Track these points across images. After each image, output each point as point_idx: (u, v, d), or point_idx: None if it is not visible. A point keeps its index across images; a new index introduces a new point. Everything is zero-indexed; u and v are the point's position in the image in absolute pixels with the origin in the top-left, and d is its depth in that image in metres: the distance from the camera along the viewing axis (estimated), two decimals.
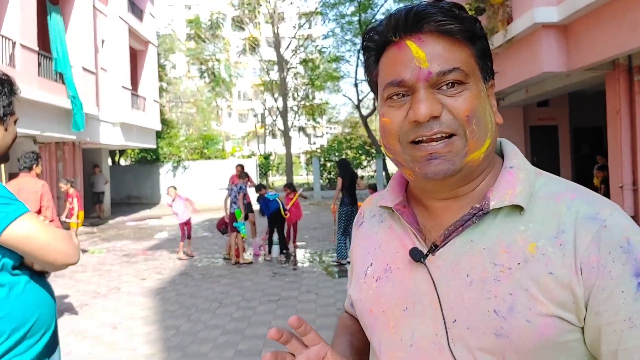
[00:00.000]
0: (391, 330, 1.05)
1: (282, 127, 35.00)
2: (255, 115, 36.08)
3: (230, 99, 42.87)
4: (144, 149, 27.53)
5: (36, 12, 14.05)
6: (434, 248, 1.01)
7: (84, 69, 16.87)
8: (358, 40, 31.96)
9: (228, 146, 41.12)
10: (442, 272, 0.99)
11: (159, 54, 31.30)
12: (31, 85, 13.34)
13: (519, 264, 0.93)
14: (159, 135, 27.82)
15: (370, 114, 34.19)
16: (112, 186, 25.54)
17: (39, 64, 14.30)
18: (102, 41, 19.76)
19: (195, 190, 27.03)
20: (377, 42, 1.03)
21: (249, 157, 30.88)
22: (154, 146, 25.45)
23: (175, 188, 11.80)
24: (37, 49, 13.96)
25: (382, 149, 1.06)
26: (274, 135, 43.65)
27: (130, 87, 21.43)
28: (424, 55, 0.95)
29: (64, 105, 15.15)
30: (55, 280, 9.63)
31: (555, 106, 15.05)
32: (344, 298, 7.14)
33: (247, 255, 11.29)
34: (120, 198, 27.58)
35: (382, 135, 1.04)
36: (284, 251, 11.52)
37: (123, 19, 20.79)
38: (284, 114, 33.85)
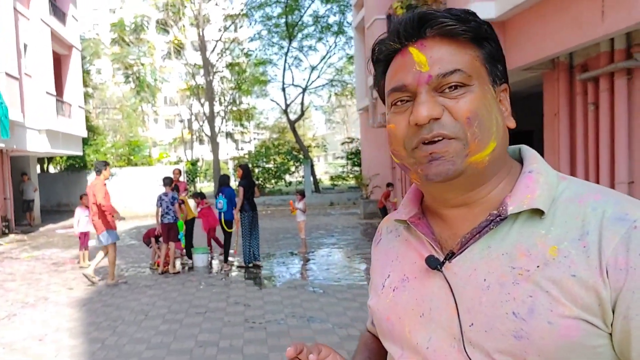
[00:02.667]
0: (407, 335, 1.06)
1: (209, 133, 34.91)
2: (181, 121, 35.78)
3: (155, 104, 42.39)
4: (71, 156, 27.11)
5: None
6: (450, 255, 1.02)
7: (7, 74, 16.57)
8: (285, 43, 32.36)
9: (155, 152, 40.69)
10: (458, 278, 1.00)
11: (83, 59, 30.81)
12: None
13: (538, 266, 0.92)
14: (85, 142, 27.45)
15: (298, 119, 34.65)
16: (41, 194, 25.23)
17: None
18: (25, 45, 19.39)
19: (122, 197, 26.80)
20: (384, 53, 1.07)
21: (176, 163, 30.72)
22: (81, 153, 25.12)
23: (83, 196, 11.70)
24: None
25: (392, 156, 1.09)
26: (201, 141, 43.49)
27: (55, 93, 21.07)
28: (424, 59, 0.98)
29: None
30: None
31: (529, 110, 15.11)
32: (274, 310, 7.60)
33: (177, 266, 11.23)
34: (51, 205, 27.14)
35: (389, 141, 1.06)
36: (227, 260, 11.34)
37: (45, 22, 20.38)
38: (210, 119, 33.75)
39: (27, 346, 6.54)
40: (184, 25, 38.26)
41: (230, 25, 36.51)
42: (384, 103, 1.10)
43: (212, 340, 6.48)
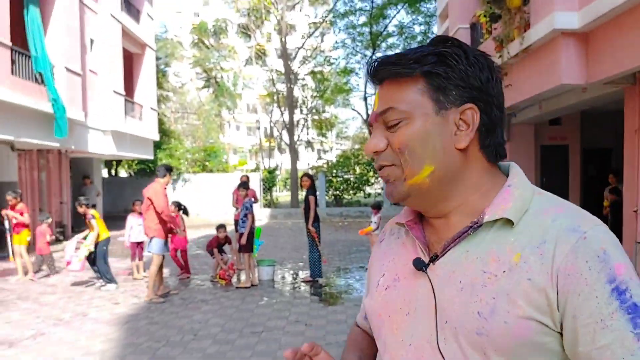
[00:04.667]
0: (394, 332, 1.16)
1: (288, 141, 33.43)
2: (258, 128, 34.68)
3: (235, 110, 41.56)
4: (142, 160, 26.07)
5: (9, 3, 12.40)
6: (434, 258, 1.13)
7: (68, 69, 15.18)
8: (369, 52, 30.97)
9: (234, 159, 39.79)
10: (440, 280, 1.10)
11: (158, 59, 29.91)
12: (2, 85, 11.78)
13: (504, 271, 1.04)
14: (158, 146, 26.41)
15: None
16: (108, 199, 24.63)
17: (13, 62, 12.66)
18: (92, 41, 18.12)
19: (195, 204, 25.74)
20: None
21: (253, 171, 29.33)
22: (151, 157, 23.89)
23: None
24: (9, 43, 12.33)
25: None
26: (280, 150, 42.14)
27: (124, 93, 19.83)
28: (377, 99, 1.15)
29: (44, 108, 13.55)
30: (17, 304, 8.77)
31: (567, 125, 14.48)
32: (337, 331, 7.06)
33: (253, 278, 10.16)
34: (117, 211, 26.02)
35: None
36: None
37: (116, 17, 19.11)
38: (290, 127, 32.25)
39: None
40: (269, 33, 37.24)
41: (313, 32, 34.94)
42: None
43: None
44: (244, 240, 9.68)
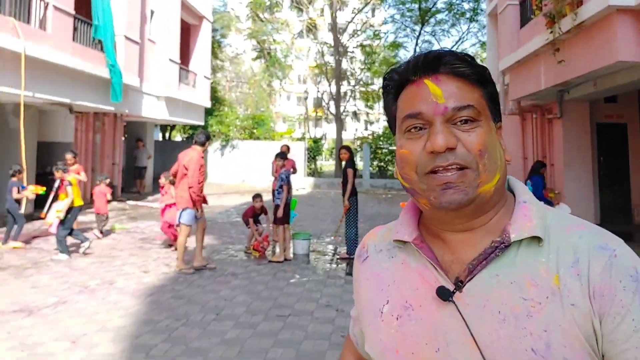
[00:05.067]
0: None
1: (334, 112, 34.14)
2: (306, 98, 35.03)
3: (285, 81, 42.10)
4: (194, 126, 27.02)
5: None
6: (460, 284, 1.02)
7: (127, 38, 16.23)
8: (417, 28, 31.24)
9: (283, 128, 40.35)
10: (472, 310, 1.00)
11: (215, 30, 30.69)
12: (64, 51, 12.79)
13: (547, 297, 0.96)
14: (210, 112, 27.34)
15: None
16: (160, 162, 25.15)
17: (75, 29, 13.66)
18: (152, 12, 19.16)
19: (242, 171, 26.65)
20: (396, 81, 1.12)
21: (299, 139, 29.97)
22: (202, 123, 24.83)
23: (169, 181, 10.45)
24: (72, 12, 13.33)
25: (399, 178, 1.13)
26: (328, 120, 42.70)
27: (179, 61, 20.80)
28: (440, 92, 1.04)
29: (101, 74, 14.55)
30: (50, 266, 8.82)
31: (624, 103, 13.94)
32: None
33: (288, 253, 9.86)
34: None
35: (400, 165, 1.10)
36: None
37: None
38: (337, 98, 32.87)
39: (51, 351, 5.23)
40: (321, 8, 37.56)
41: (363, 8, 35.39)
42: (390, 127, 1.18)
43: (285, 355, 5.25)
44: (280, 213, 9.41)
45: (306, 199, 19.82)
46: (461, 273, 1.04)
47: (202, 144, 8.63)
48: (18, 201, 10.31)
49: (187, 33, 23.29)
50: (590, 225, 1.04)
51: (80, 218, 11.57)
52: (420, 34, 31.25)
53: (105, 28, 14.55)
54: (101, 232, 11.55)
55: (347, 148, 10.17)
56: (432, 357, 1.03)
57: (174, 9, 20.25)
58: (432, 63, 1.06)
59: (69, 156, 11.10)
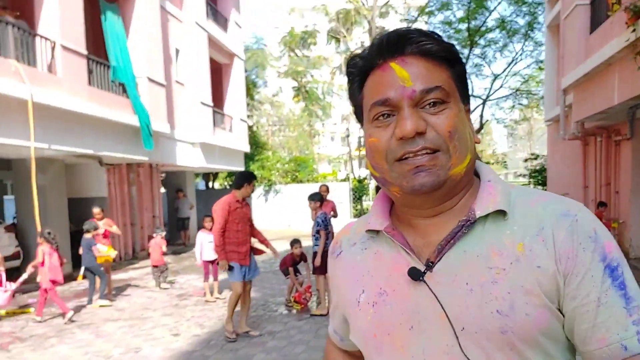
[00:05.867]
0: (400, 350, 1.09)
1: None
2: (348, 136, 34.06)
3: (327, 119, 41.30)
4: (234, 172, 26.06)
5: (83, 9, 12.14)
6: (430, 264, 1.07)
7: (151, 80, 14.97)
8: (466, 51, 29.53)
9: (328, 170, 39.44)
10: (442, 287, 1.05)
11: (249, 70, 29.91)
12: (78, 96, 11.56)
13: (511, 263, 1.02)
14: (250, 157, 26.39)
15: (476, 133, 31.66)
16: (204, 211, 24.12)
17: (90, 72, 12.43)
18: (177, 51, 18.02)
19: (287, 216, 25.62)
20: (361, 68, 1.11)
21: (343, 180, 28.75)
22: (242, 169, 23.71)
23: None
24: (85, 52, 12.09)
25: (369, 169, 1.13)
26: None
27: (212, 104, 19.66)
28: (407, 75, 1.03)
29: (127, 121, 13.36)
30: (74, 334, 8.01)
31: None
32: None
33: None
34: None
35: (369, 155, 1.10)
36: None
37: (201, 26, 18.87)
38: None
39: None
40: (361, 41, 36.64)
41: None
42: (357, 116, 1.18)
43: None
44: (317, 262, 8.45)
45: None
46: (431, 254, 1.07)
47: (239, 187, 7.35)
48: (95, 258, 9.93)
49: (218, 73, 22.15)
50: (554, 195, 1.09)
51: (129, 273, 12.16)
52: (469, 57, 29.52)
53: (125, 69, 13.50)
54: (165, 283, 11.66)
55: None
56: (406, 334, 1.07)
57: (202, 47, 19.04)
58: (397, 43, 1.05)
59: (96, 210, 10.74)
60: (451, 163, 1.03)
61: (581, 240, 1.00)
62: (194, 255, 16.27)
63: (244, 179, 7.39)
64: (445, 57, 1.05)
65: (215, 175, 29.56)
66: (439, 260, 1.05)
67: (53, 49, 11.04)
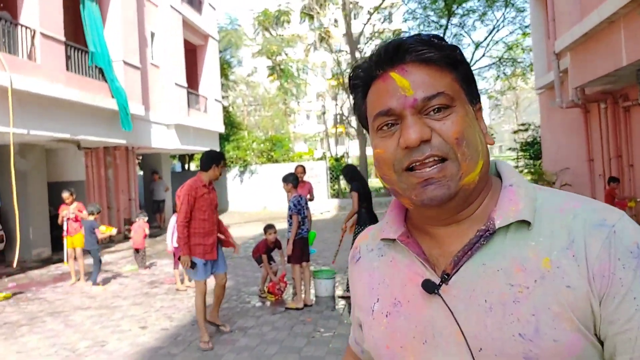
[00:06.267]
0: None
1: (356, 127, 32.57)
2: (324, 113, 33.95)
3: (302, 98, 41.11)
4: None
5: None
6: (446, 277, 1.01)
7: (126, 63, 14.96)
8: (444, 21, 29.08)
9: (304, 149, 39.40)
10: (458, 301, 0.99)
11: (223, 50, 29.71)
12: (56, 82, 11.59)
13: (535, 281, 0.93)
14: (225, 138, 26.29)
15: None
16: None
17: (68, 57, 12.49)
18: (152, 34, 17.96)
19: (264, 197, 25.57)
20: (363, 79, 1.08)
21: (320, 159, 28.75)
22: (217, 149, 23.66)
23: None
24: (63, 39, 12.15)
25: (380, 180, 1.09)
26: (350, 136, 41.45)
27: (186, 85, 19.62)
28: (407, 83, 1.00)
29: (104, 105, 13.39)
30: (45, 322, 7.79)
31: None
32: None
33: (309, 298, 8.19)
34: None
35: (377, 166, 1.07)
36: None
37: (176, 9, 18.87)
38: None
39: None
40: (335, 20, 36.39)
41: (380, 5, 33.13)
42: (364, 127, 1.14)
43: None
44: (289, 250, 7.76)
45: (331, 224, 18.30)
46: (447, 266, 1.02)
47: (207, 168, 6.40)
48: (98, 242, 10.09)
49: (193, 55, 22.11)
50: (587, 200, 1.00)
51: (105, 257, 11.88)
52: (447, 27, 29.08)
53: (103, 54, 13.49)
54: (146, 267, 11.78)
55: (348, 169, 8.82)
56: (419, 349, 1.03)
57: (176, 30, 19.03)
58: (396, 53, 1.02)
59: (65, 195, 10.34)
60: (462, 172, 0.98)
61: (620, 255, 0.90)
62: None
63: (212, 160, 6.41)
64: (448, 62, 1.02)
65: (191, 157, 29.40)
66: (455, 273, 1.01)
67: (33, 37, 11.20)
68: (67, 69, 12.31)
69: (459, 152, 0.97)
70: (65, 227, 10.38)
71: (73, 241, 10.30)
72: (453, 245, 1.03)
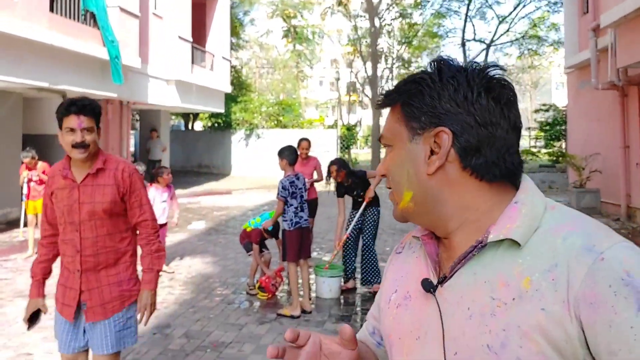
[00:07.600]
0: (404, 357, 1.08)
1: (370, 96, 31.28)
2: (338, 79, 32.63)
3: (316, 63, 39.76)
4: (216, 114, 24.73)
5: None
6: (442, 279, 1.04)
7: (123, 9, 13.63)
8: None
9: (315, 115, 38.29)
10: (448, 304, 1.01)
11: (235, 8, 28.39)
12: (37, 23, 10.29)
13: (513, 299, 0.94)
14: (233, 99, 25.04)
15: None
16: (182, 153, 24.19)
17: None
18: None
19: (268, 163, 24.42)
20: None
21: (330, 127, 27.49)
22: (221, 110, 22.54)
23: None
24: None
25: None
26: (363, 105, 40.21)
27: (191, 39, 18.31)
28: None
29: (94, 53, 12.14)
30: (13, 301, 6.65)
31: None
32: None
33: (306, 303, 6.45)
34: (191, 166, 25.31)
35: None
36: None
37: None
38: (373, 80, 30.02)
39: None
40: None
41: None
42: None
43: None
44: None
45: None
46: (447, 270, 1.05)
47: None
48: None
49: (201, 9, 20.70)
50: (586, 223, 0.97)
51: None
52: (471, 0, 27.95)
53: None
54: None
55: (338, 163, 7.24)
56: (413, 344, 1.06)
57: None
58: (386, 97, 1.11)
59: (26, 159, 8.80)
60: (396, 200, 1.09)
61: (610, 282, 0.85)
62: None
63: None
64: (399, 102, 1.08)
65: (195, 116, 28.25)
66: (450, 277, 1.02)
67: None
68: (52, 10, 10.97)
69: (391, 185, 1.10)
70: (25, 190, 8.95)
71: (36, 206, 8.79)
72: (457, 251, 1.05)
